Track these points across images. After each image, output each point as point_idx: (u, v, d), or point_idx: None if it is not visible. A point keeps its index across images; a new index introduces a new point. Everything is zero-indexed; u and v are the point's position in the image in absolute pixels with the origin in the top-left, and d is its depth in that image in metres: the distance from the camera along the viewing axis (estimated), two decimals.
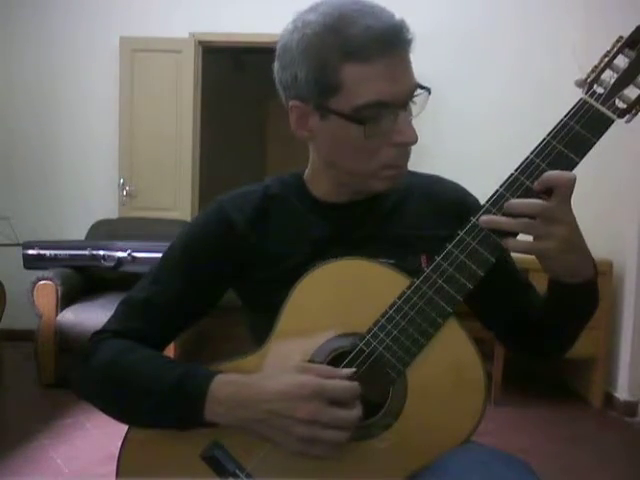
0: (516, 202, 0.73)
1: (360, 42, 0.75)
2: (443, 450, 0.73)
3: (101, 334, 0.89)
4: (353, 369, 0.75)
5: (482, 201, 0.78)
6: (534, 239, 0.74)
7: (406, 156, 0.84)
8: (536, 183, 0.73)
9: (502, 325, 0.98)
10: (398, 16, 0.79)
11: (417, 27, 0.82)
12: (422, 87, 0.82)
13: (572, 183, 0.72)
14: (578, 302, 0.83)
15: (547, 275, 0.82)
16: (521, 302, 0.94)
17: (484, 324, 1.00)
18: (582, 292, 0.81)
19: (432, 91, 0.83)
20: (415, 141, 0.81)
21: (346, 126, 0.79)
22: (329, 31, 0.77)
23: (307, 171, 0.95)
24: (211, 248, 0.91)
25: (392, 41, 0.77)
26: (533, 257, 0.76)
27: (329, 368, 0.75)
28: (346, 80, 0.77)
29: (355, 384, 0.72)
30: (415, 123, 0.81)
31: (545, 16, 3.79)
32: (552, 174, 0.73)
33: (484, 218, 0.74)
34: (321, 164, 0.90)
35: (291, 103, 0.83)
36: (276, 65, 0.85)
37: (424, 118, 0.84)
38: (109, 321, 0.91)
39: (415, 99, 0.82)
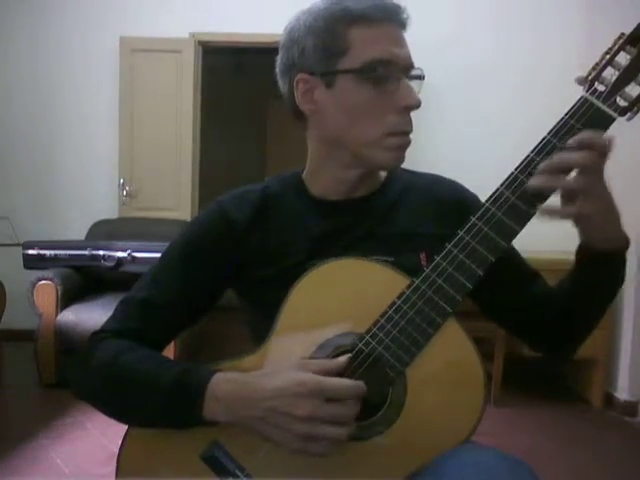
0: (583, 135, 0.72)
1: (365, 9, 0.82)
2: (442, 450, 0.73)
3: (100, 334, 0.89)
4: (347, 355, 0.75)
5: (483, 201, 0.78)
6: (580, 200, 0.72)
7: (409, 123, 0.86)
8: (571, 140, 0.72)
9: (515, 319, 0.97)
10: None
11: (424, 35, 0.84)
12: (417, 76, 0.86)
13: (608, 147, 0.71)
14: (604, 274, 0.83)
15: (559, 260, 0.81)
16: (531, 292, 0.94)
17: (497, 322, 0.99)
18: (610, 263, 0.81)
19: (436, 96, 0.84)
20: (418, 104, 0.84)
21: (353, 88, 0.83)
22: (335, 4, 0.83)
23: (306, 169, 0.95)
24: (210, 247, 0.91)
25: (393, 12, 0.83)
26: (536, 257, 0.75)
27: (325, 361, 0.75)
28: (353, 41, 0.82)
29: (354, 383, 0.72)
30: (419, 126, 0.82)
31: (551, 20, 3.78)
32: (587, 134, 0.72)
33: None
34: (321, 151, 0.90)
35: (297, 77, 0.86)
36: (280, 53, 0.89)
37: (426, 121, 0.85)
38: (108, 321, 0.91)
39: (412, 82, 0.85)
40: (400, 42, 0.85)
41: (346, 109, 0.84)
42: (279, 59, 0.89)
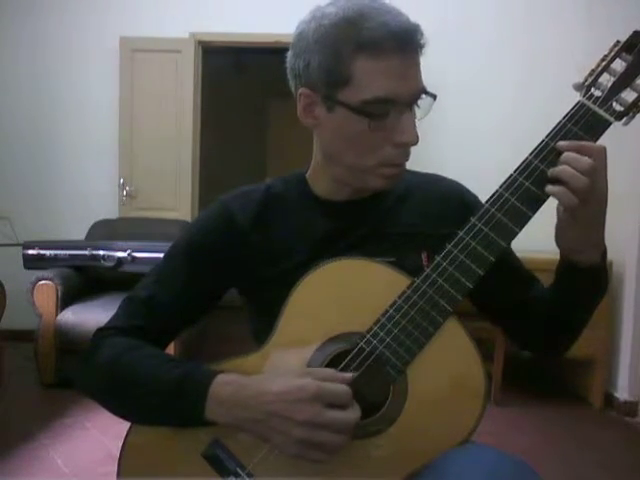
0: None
1: (375, 37, 0.77)
2: (442, 450, 0.73)
3: (104, 331, 0.90)
4: (353, 373, 0.74)
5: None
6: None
7: (405, 156, 0.85)
8: (567, 144, 0.73)
9: (510, 320, 0.98)
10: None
11: (424, 35, 0.82)
12: (428, 93, 0.83)
13: (604, 153, 0.73)
14: (583, 286, 0.83)
15: (556, 260, 0.81)
16: (527, 295, 0.94)
17: (492, 321, 1.00)
18: (587, 275, 0.81)
19: (436, 99, 0.84)
20: (416, 142, 0.82)
21: (351, 119, 0.80)
22: (346, 23, 0.78)
23: (309, 170, 0.95)
24: (213, 246, 0.91)
25: (406, 40, 0.78)
26: (534, 257, 0.76)
27: (330, 371, 0.75)
28: (357, 73, 0.78)
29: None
30: (420, 126, 0.82)
31: (550, 22, 3.78)
32: (585, 143, 0.73)
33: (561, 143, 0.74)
34: (322, 158, 0.91)
35: (300, 91, 0.85)
36: (290, 53, 0.87)
37: (426, 121, 0.84)
38: (113, 318, 0.92)
39: (420, 103, 0.83)
40: (409, 75, 0.80)
41: (343, 136, 0.83)
42: (288, 57, 0.87)
